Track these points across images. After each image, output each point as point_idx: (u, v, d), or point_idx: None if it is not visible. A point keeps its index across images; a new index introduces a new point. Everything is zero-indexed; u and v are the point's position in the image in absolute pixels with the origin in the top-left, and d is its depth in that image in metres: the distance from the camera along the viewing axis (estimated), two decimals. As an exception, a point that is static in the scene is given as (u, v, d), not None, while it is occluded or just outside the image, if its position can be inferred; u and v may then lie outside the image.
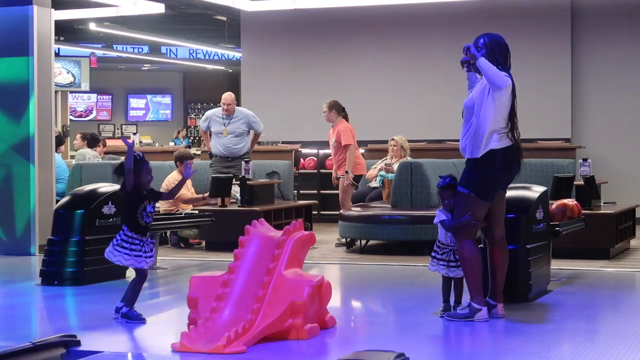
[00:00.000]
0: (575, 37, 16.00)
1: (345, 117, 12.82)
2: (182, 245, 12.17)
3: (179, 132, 28.84)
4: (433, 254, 7.12)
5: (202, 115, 31.66)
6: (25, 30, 11.42)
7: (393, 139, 13.26)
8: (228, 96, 13.09)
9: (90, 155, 14.63)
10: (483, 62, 6.75)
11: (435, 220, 7.03)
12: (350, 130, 12.63)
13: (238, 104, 15.31)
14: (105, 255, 6.95)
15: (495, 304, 6.95)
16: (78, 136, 15.30)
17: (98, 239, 8.94)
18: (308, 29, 17.43)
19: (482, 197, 6.82)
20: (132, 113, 31.88)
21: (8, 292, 8.81)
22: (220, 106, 13.16)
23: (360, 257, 11.37)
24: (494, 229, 7.02)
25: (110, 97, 31.28)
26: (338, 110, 12.79)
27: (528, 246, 7.69)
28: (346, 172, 12.64)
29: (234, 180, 12.10)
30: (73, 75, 24.14)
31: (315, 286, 6.22)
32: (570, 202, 9.38)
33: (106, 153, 15.55)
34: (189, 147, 22.39)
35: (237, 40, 20.85)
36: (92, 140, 15.06)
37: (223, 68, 30.22)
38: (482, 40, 6.89)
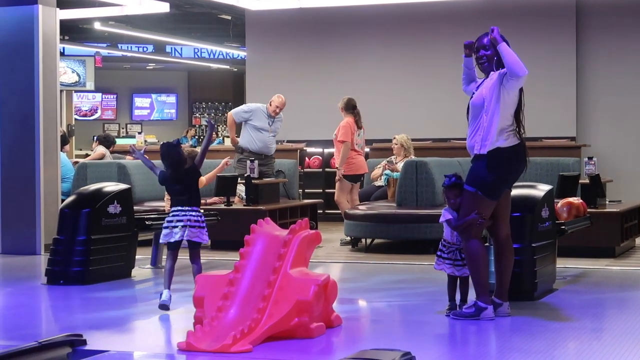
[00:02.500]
0: (581, 35, 15.99)
1: (356, 115, 12.81)
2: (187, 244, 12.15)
3: (187, 132, 28.86)
4: (439, 252, 7.12)
5: (207, 114, 31.96)
6: (30, 29, 11.43)
7: (394, 138, 13.30)
8: (283, 100, 13.12)
9: (107, 154, 14.77)
10: (504, 48, 6.72)
11: (441, 219, 7.02)
12: (350, 127, 12.67)
13: (243, 103, 15.37)
14: (196, 239, 7.52)
15: (501, 303, 6.95)
16: (95, 142, 15.28)
17: (103, 238, 8.97)
18: (313, 28, 17.43)
19: (488, 196, 6.81)
20: (136, 112, 31.90)
21: (14, 292, 8.82)
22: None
23: (365, 255, 11.37)
24: (499, 227, 7.01)
25: (115, 96, 31.30)
26: (347, 107, 12.85)
27: (534, 245, 7.68)
28: (337, 168, 12.73)
29: (239, 179, 12.15)
30: (78, 75, 24.16)
31: (321, 285, 6.22)
32: (576, 200, 9.38)
33: (112, 152, 15.53)
34: (194, 147, 22.37)
35: (241, 39, 20.86)
36: (106, 142, 14.99)
37: (228, 67, 30.25)
38: (488, 39, 6.89)
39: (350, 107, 12.85)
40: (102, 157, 14.32)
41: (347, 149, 12.66)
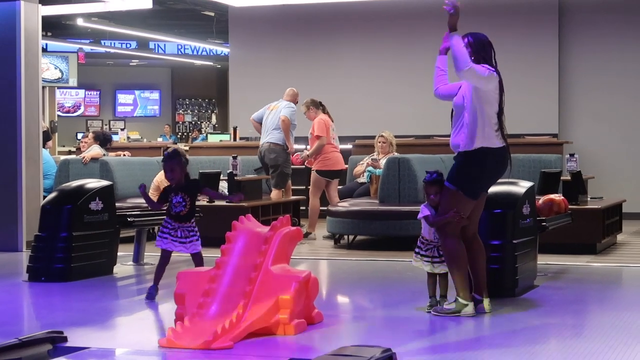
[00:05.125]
0: (563, 33, 16.04)
1: (324, 110, 12.99)
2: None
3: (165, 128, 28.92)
4: (417, 249, 7.12)
5: (190, 111, 31.91)
6: (12, 25, 11.39)
7: (382, 135, 13.29)
8: None
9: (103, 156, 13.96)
10: (455, 41, 6.74)
11: (419, 215, 7.03)
12: (324, 122, 12.77)
13: (226, 100, 15.43)
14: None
15: (481, 299, 6.96)
16: (90, 135, 14.24)
17: (85, 234, 8.93)
18: (296, 25, 17.44)
19: (468, 195, 6.80)
20: (120, 109, 31.82)
21: (-5, 288, 8.80)
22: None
23: (347, 252, 11.38)
24: (467, 226, 6.97)
25: (98, 92, 31.22)
26: (315, 106, 12.97)
27: (515, 241, 7.70)
28: (307, 155, 12.91)
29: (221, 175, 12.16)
30: (61, 71, 24.09)
31: (302, 282, 6.23)
32: (557, 197, 9.41)
33: (108, 149, 15.24)
34: (176, 143, 22.34)
35: (225, 36, 20.85)
36: (104, 140, 14.11)
37: (211, 64, 30.20)
38: (466, 40, 6.92)
39: (319, 105, 12.97)
40: (98, 158, 13.34)
41: (322, 144, 12.74)
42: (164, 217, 7.69)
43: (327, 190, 12.92)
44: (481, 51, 6.88)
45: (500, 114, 6.86)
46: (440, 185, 6.93)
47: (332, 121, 13.05)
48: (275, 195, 13.08)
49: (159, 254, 7.80)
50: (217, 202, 11.92)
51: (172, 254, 7.77)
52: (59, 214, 8.93)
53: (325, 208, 12.46)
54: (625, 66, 15.77)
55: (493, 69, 6.83)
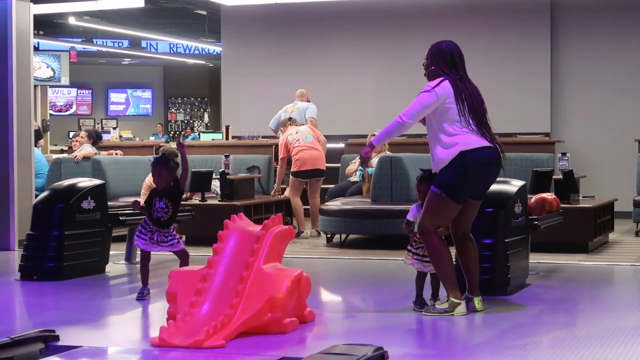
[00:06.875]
0: (555, 32, 16.06)
1: (292, 124, 13.09)
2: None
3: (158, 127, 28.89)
4: (408, 247, 7.14)
5: (182, 109, 31.87)
6: (3, 24, 11.37)
7: (374, 134, 13.28)
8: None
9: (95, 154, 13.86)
10: (377, 140, 7.47)
11: (408, 215, 7.10)
12: (281, 143, 12.98)
13: (218, 99, 15.46)
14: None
15: (472, 298, 6.96)
16: (83, 134, 14.04)
17: (77, 233, 8.93)
18: (288, 24, 17.44)
19: (452, 198, 6.76)
20: (112, 107, 31.79)
21: (-13, 287, 8.78)
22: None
23: (340, 251, 11.39)
24: (458, 226, 6.92)
25: (90, 91, 31.18)
26: (284, 125, 13.12)
27: (506, 240, 7.71)
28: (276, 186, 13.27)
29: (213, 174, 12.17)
30: (53, 70, 24.04)
31: (294, 280, 6.23)
32: (549, 196, 9.42)
33: (99, 148, 15.17)
34: (168, 142, 22.31)
35: (217, 35, 20.83)
36: (97, 138, 14.01)
37: (204, 62, 30.18)
38: (428, 51, 7.03)
39: (286, 122, 13.13)
40: (90, 156, 13.14)
41: (281, 165, 13.02)
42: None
43: (309, 191, 12.94)
44: (439, 62, 6.96)
45: (472, 112, 6.84)
46: (430, 184, 6.94)
47: (298, 124, 13.15)
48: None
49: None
50: (210, 201, 11.94)
51: (158, 254, 7.80)
52: (51, 213, 8.93)
53: (307, 207, 12.63)
54: (618, 65, 15.80)
55: (434, 86, 6.90)
